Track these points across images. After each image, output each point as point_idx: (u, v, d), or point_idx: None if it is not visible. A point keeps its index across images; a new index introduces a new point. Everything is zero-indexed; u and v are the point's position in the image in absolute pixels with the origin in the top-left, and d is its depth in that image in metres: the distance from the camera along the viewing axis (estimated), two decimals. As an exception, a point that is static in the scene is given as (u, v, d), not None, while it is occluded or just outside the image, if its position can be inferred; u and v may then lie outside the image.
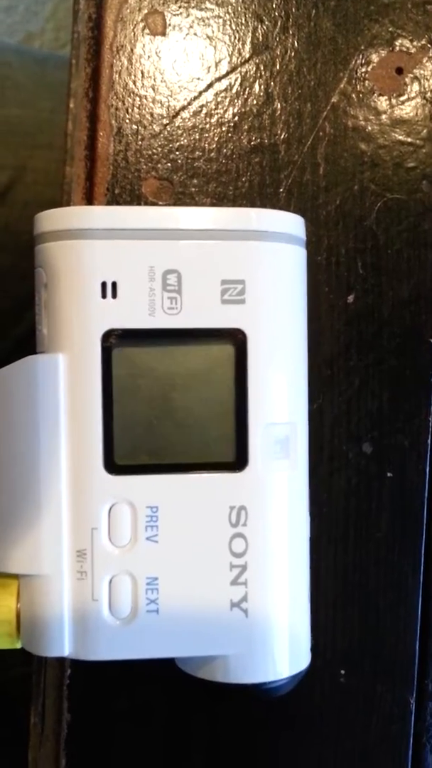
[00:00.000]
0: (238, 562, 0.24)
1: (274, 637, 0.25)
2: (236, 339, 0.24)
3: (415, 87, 0.28)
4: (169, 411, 0.24)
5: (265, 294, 0.24)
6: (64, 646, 0.24)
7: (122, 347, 0.24)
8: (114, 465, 0.24)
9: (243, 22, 0.28)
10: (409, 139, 0.28)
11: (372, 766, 0.29)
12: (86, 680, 0.29)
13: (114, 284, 0.24)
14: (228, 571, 0.24)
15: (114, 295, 0.24)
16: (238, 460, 0.24)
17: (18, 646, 0.25)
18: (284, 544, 0.25)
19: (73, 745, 0.29)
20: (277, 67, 0.28)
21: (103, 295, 0.24)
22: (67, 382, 0.24)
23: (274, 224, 0.25)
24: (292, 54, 0.28)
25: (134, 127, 0.28)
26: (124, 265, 0.24)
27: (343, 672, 0.29)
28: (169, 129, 0.28)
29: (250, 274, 0.24)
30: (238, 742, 0.29)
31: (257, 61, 0.28)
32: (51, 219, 0.24)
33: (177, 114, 0.28)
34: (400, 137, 0.28)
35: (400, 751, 0.29)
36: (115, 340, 0.24)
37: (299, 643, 0.25)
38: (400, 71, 0.28)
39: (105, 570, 0.24)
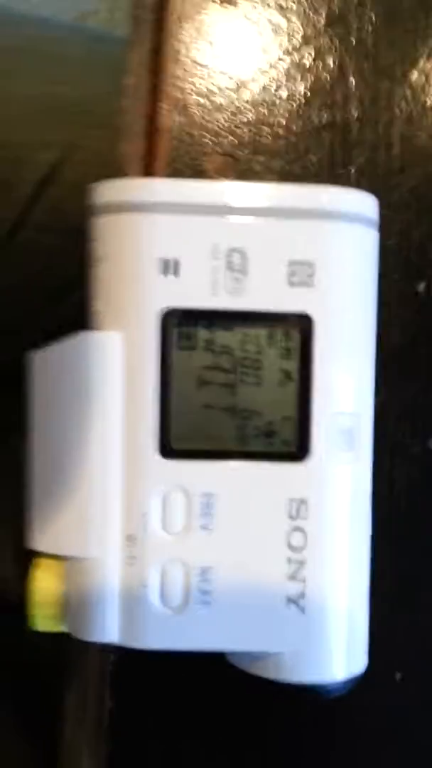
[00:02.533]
0: (296, 557, 0.23)
1: (331, 637, 0.23)
2: (303, 324, 0.23)
3: None
4: (229, 396, 0.23)
5: (335, 278, 0.23)
6: (110, 631, 0.23)
7: (182, 327, 0.23)
8: (169, 449, 0.23)
9: (318, -5, 0.27)
10: None
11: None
12: (130, 669, 0.28)
13: (176, 261, 0.23)
14: (285, 566, 0.23)
15: (175, 273, 0.23)
16: (300, 450, 0.23)
17: (61, 629, 0.24)
18: (345, 541, 0.24)
19: (115, 734, 0.28)
20: (353, 41, 0.27)
21: (164, 272, 0.23)
22: (123, 362, 0.23)
23: (346, 203, 0.23)
24: (370, 28, 0.27)
25: (199, 99, 0.27)
26: (186, 242, 0.23)
27: (398, 675, 0.28)
28: (235, 102, 0.27)
29: (320, 256, 0.23)
30: (287, 742, 0.28)
31: (332, 34, 0.27)
32: (110, 190, 0.23)
33: (244, 86, 0.27)
34: None
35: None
36: (174, 320, 0.23)
37: (357, 644, 0.24)
38: None
39: (156, 557, 0.23)
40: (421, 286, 0.27)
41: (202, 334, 0.23)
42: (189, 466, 0.23)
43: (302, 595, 0.23)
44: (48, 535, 0.23)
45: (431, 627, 0.28)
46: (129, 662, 0.28)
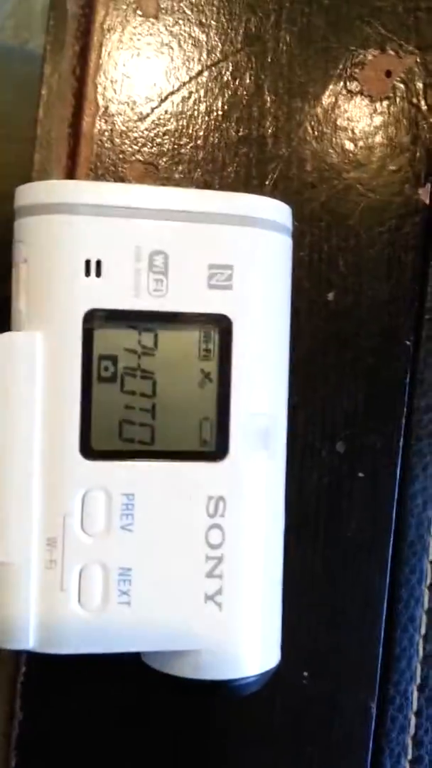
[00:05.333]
0: (214, 554, 0.24)
1: (247, 633, 0.24)
2: (221, 325, 0.24)
3: (402, 91, 0.29)
4: (150, 396, 0.24)
5: (252, 281, 0.24)
6: (28, 638, 0.23)
7: (104, 328, 0.23)
8: (90, 450, 0.23)
9: (236, 11, 0.28)
10: (393, 142, 0.29)
11: (333, 770, 0.29)
12: (41, 676, 0.28)
13: (98, 263, 0.23)
14: (203, 563, 0.24)
15: (98, 274, 0.23)
16: (218, 450, 0.24)
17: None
18: (261, 537, 0.24)
19: (25, 744, 0.28)
20: (269, 59, 0.28)
21: (87, 274, 0.23)
22: (45, 362, 0.23)
23: (263, 211, 0.24)
24: (284, 48, 0.28)
25: (121, 107, 0.28)
26: (109, 244, 0.23)
27: (306, 674, 0.29)
28: (156, 112, 0.28)
29: (238, 260, 0.24)
30: (197, 741, 0.28)
31: (248, 52, 0.28)
32: (34, 191, 0.23)
33: (166, 98, 0.28)
34: (385, 140, 0.29)
35: (359, 756, 0.29)
36: (97, 321, 0.23)
37: (271, 640, 0.25)
38: (389, 74, 0.28)
39: (76, 559, 0.23)
40: (331, 296, 0.29)
41: (125, 334, 0.23)
42: (110, 466, 0.23)
43: (219, 592, 0.24)
44: (-36, 537, 0.23)
45: (337, 626, 0.29)
46: (39, 671, 0.28)
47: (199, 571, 0.23)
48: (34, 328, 0.23)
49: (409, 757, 0.29)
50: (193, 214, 0.23)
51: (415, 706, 0.29)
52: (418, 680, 0.29)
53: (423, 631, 0.29)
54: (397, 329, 0.29)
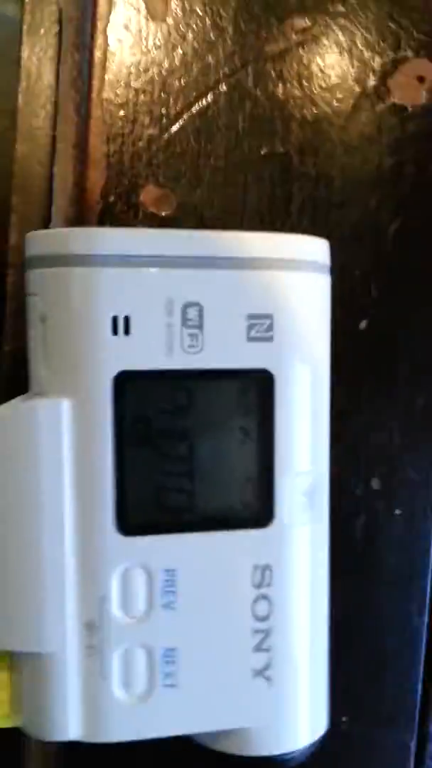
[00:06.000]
0: (261, 627, 0.22)
1: (297, 706, 0.23)
2: (262, 380, 0.22)
3: (435, 96, 0.26)
4: (189, 462, 0.21)
5: (294, 330, 0.22)
6: (69, 729, 0.21)
7: (136, 391, 0.21)
8: (127, 524, 0.21)
9: (255, 12, 0.25)
10: (430, 151, 0.26)
11: None
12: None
13: (126, 319, 0.21)
14: (251, 637, 0.22)
15: (126, 332, 0.21)
16: (263, 515, 0.22)
17: (15, 724, 0.22)
18: (308, 604, 0.23)
19: None
20: (293, 69, 0.25)
21: (114, 332, 0.21)
22: (74, 431, 0.21)
23: (303, 252, 0.22)
24: (311, 56, 0.26)
25: (131, 126, 0.25)
26: (138, 297, 0.21)
27: (344, 719, 0.28)
28: (171, 131, 0.25)
29: (278, 308, 0.22)
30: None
31: (270, 61, 0.25)
32: (49, 241, 0.21)
33: (180, 114, 0.25)
34: (421, 150, 0.26)
35: (400, 795, 0.28)
36: (128, 383, 0.21)
37: (319, 709, 0.23)
38: (421, 80, 0.26)
39: (116, 643, 0.21)
40: (363, 324, 0.26)
41: (158, 397, 0.21)
42: (148, 540, 0.21)
43: (268, 666, 0.22)
44: (-2, 629, 0.21)
45: (375, 667, 0.27)
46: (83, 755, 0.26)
47: (247, 646, 0.22)
48: (58, 393, 0.21)
49: (450, 792, 0.28)
50: (227, 261, 0.21)
51: (455, 743, 0.28)
52: (458, 715, 0.28)
53: (463, 667, 0.28)
54: (433, 357, 0.27)
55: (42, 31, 0.25)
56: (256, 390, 0.22)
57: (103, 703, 0.21)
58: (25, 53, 0.25)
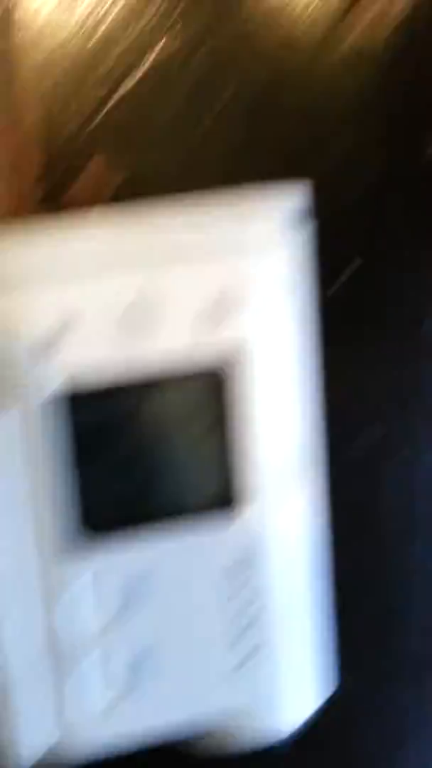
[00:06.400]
0: (240, 618, 0.22)
1: (280, 691, 0.23)
2: (219, 371, 0.20)
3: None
4: (149, 461, 0.20)
5: (257, 310, 0.20)
6: (40, 751, 0.21)
7: (82, 397, 0.20)
8: (92, 530, 0.20)
9: None
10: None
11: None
12: None
13: (66, 327, 0.19)
14: (229, 629, 0.22)
15: (68, 339, 0.19)
16: (234, 503, 0.21)
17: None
18: (292, 588, 0.22)
19: None
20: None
21: (54, 341, 0.19)
22: (23, 448, 0.20)
23: (264, 222, 0.20)
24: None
25: (62, 104, 0.22)
26: (78, 303, 0.19)
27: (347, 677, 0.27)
28: (112, 101, 0.22)
29: (236, 294, 0.20)
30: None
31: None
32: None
33: (121, 82, 0.22)
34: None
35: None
36: (73, 391, 0.20)
37: (307, 690, 0.23)
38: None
39: (90, 650, 0.21)
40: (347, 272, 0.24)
41: (109, 399, 0.20)
42: (115, 542, 0.21)
43: (251, 653, 0.22)
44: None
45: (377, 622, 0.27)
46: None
47: (225, 639, 0.22)
48: (5, 408, 0.20)
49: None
50: (174, 255, 0.19)
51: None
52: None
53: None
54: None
55: None
56: (215, 380, 0.20)
57: (81, 714, 0.21)
58: None
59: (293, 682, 0.23)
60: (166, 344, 0.20)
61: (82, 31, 0.22)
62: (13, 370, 0.19)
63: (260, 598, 0.22)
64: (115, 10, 0.22)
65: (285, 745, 0.23)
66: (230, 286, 0.20)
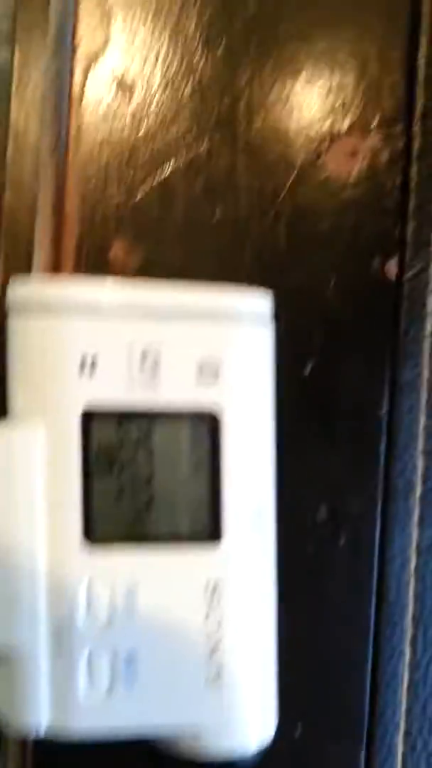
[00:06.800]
0: (213, 636, 0.24)
1: (246, 713, 0.25)
2: (210, 419, 0.25)
3: (367, 169, 0.30)
4: (148, 486, 0.24)
5: (238, 375, 0.25)
6: (40, 720, 0.23)
7: (101, 422, 0.24)
8: (93, 539, 0.24)
9: (208, 96, 0.29)
10: (360, 220, 0.30)
11: None
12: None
13: (93, 361, 0.24)
14: (204, 645, 0.24)
15: (92, 372, 0.24)
16: (213, 534, 0.25)
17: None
18: (257, 616, 0.25)
19: None
20: (242, 141, 0.29)
21: (82, 371, 0.24)
22: (46, 456, 0.24)
23: (246, 305, 0.25)
24: (259, 133, 0.29)
25: (101, 190, 0.28)
26: (103, 342, 0.24)
27: (299, 729, 0.30)
28: (137, 195, 0.29)
29: (224, 355, 0.25)
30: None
31: (223, 134, 0.29)
32: (30, 291, 0.24)
33: (144, 181, 0.29)
34: (353, 218, 0.30)
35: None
36: (94, 416, 0.24)
37: (269, 713, 0.26)
38: (354, 153, 0.30)
39: (83, 646, 0.24)
40: (307, 370, 0.30)
41: (121, 428, 0.24)
42: (112, 554, 0.24)
43: (219, 672, 0.25)
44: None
45: (326, 681, 0.30)
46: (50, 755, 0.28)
47: (200, 653, 0.24)
48: (32, 422, 0.24)
49: (397, 806, 0.31)
50: (181, 312, 0.24)
51: (400, 753, 0.31)
52: (402, 729, 0.31)
53: (406, 683, 0.31)
54: (373, 401, 0.30)
55: (29, 88, 0.29)
56: (205, 427, 0.25)
57: (70, 700, 0.23)
58: (13, 109, 0.29)
59: (254, 704, 0.25)
60: (169, 386, 0.24)
61: (123, 129, 0.28)
62: (52, 388, 0.24)
63: (228, 622, 0.25)
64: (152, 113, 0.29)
65: (245, 763, 0.25)
66: (219, 347, 0.25)
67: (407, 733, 0.31)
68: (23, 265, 0.29)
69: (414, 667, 0.31)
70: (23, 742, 0.28)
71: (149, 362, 0.24)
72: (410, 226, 0.30)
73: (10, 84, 0.29)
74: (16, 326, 0.24)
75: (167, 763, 0.25)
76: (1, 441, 0.23)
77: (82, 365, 0.24)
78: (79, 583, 0.24)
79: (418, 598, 0.30)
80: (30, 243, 0.29)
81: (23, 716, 0.23)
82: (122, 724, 0.24)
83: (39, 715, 0.23)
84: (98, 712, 0.24)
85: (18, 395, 0.24)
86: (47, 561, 0.23)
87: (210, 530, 0.25)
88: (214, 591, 0.25)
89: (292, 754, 0.30)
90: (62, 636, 0.23)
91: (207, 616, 0.24)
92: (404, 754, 0.31)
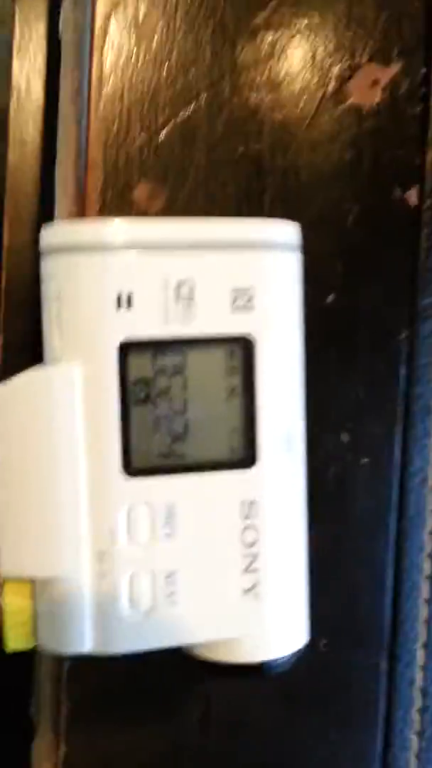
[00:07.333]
0: (249, 552, 0.26)
1: (280, 620, 0.27)
2: (245, 344, 0.26)
3: (390, 98, 0.30)
4: (184, 415, 0.25)
5: (270, 301, 0.26)
6: (84, 642, 0.25)
7: (138, 355, 0.25)
8: (132, 468, 0.25)
9: (228, 33, 0.29)
10: (382, 150, 0.30)
11: (354, 726, 0.32)
12: (84, 670, 0.30)
13: (129, 295, 0.25)
14: (240, 561, 0.26)
15: (129, 306, 0.25)
16: (247, 457, 0.26)
17: (31, 646, 0.26)
18: (290, 533, 0.27)
19: (72, 733, 0.30)
20: (263, 78, 0.29)
21: (119, 306, 0.25)
22: (84, 392, 0.25)
23: (276, 234, 0.26)
24: (279, 67, 0.30)
25: (124, 134, 0.29)
26: (138, 277, 0.25)
27: (324, 642, 0.32)
28: (159, 137, 0.29)
29: (257, 283, 0.26)
30: (235, 718, 0.31)
31: (244, 73, 0.29)
32: (62, 232, 0.25)
33: (167, 122, 0.29)
34: (373, 148, 0.30)
35: (376, 711, 0.32)
36: (131, 349, 0.25)
37: (301, 623, 0.27)
38: (376, 83, 0.30)
39: (125, 568, 0.25)
40: (330, 298, 0.31)
41: (157, 360, 0.25)
42: (150, 481, 0.25)
43: (255, 585, 0.26)
44: (21, 558, 0.25)
45: (350, 594, 0.32)
46: (82, 665, 0.30)
47: (237, 568, 0.26)
48: (70, 360, 0.25)
49: (417, 706, 0.33)
50: (213, 243, 0.25)
51: (421, 662, 0.33)
52: (422, 639, 0.33)
53: (425, 595, 0.32)
54: (393, 325, 0.31)
55: (30, 49, 0.29)
56: (240, 353, 0.26)
57: (114, 619, 0.25)
58: (15, 70, 0.30)
59: (288, 614, 0.27)
60: (204, 316, 0.25)
61: (144, 73, 0.29)
62: (89, 326, 0.24)
63: (263, 540, 0.26)
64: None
65: (278, 666, 0.27)
66: (251, 275, 0.26)
67: (428, 641, 0.33)
68: (27, 221, 0.30)
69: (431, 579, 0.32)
70: (57, 669, 0.30)
71: (184, 294, 0.25)
72: (430, 155, 0.31)
73: (11, 44, 0.30)
74: (51, 269, 0.25)
75: (203, 667, 0.27)
76: (41, 380, 0.24)
77: (119, 301, 0.24)
78: (120, 511, 0.25)
79: (437, 514, 0.32)
80: (33, 198, 0.29)
81: (68, 640, 0.25)
82: (163, 641, 0.25)
83: (83, 639, 0.25)
84: (140, 631, 0.25)
85: (55, 338, 0.25)
86: (89, 491, 0.25)
87: (245, 455, 0.26)
88: (249, 511, 0.26)
89: (319, 665, 0.32)
90: (104, 561, 0.25)
91: (243, 535, 0.26)
92: (425, 661, 0.33)
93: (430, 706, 0.33)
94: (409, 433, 0.32)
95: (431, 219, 0.31)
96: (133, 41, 0.29)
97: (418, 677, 0.33)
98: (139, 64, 0.29)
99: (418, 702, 0.33)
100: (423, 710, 0.33)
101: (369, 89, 0.30)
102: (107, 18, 0.29)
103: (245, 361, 0.26)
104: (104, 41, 0.29)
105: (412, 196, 0.31)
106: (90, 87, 0.28)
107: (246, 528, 0.26)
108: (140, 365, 0.25)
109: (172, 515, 0.25)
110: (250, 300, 0.25)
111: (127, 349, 0.25)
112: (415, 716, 0.33)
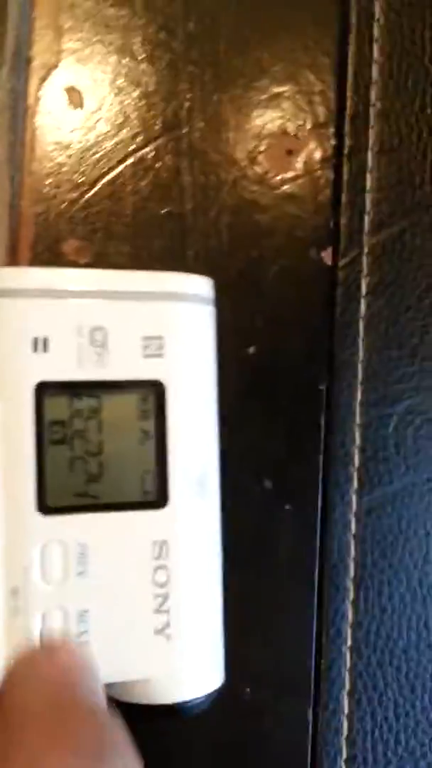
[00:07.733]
0: (160, 592, 0.27)
1: (194, 660, 0.27)
2: (156, 389, 0.27)
3: (303, 167, 0.33)
4: (98, 456, 0.27)
5: (180, 349, 0.27)
6: None
7: (53, 397, 0.26)
8: (46, 506, 0.26)
9: (155, 102, 0.32)
10: (298, 213, 0.32)
11: (277, 774, 0.32)
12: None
13: (45, 339, 0.26)
14: (152, 601, 0.27)
15: (45, 350, 0.26)
16: (159, 498, 0.27)
17: None
18: (202, 573, 0.27)
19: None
20: (185, 144, 0.32)
21: (35, 349, 0.26)
22: (1, 430, 0.26)
23: (188, 286, 0.28)
24: (198, 134, 0.32)
25: (54, 191, 0.31)
26: (54, 322, 0.26)
27: (248, 690, 0.32)
28: (87, 196, 0.31)
29: (168, 331, 0.27)
30: (156, 763, 0.31)
31: (168, 137, 0.32)
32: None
33: (95, 182, 0.31)
34: (291, 211, 0.32)
35: (304, 761, 0.32)
36: (46, 391, 0.26)
37: (215, 664, 0.28)
38: (290, 153, 0.32)
39: (38, 605, 0.26)
40: (251, 350, 0.32)
41: (71, 402, 0.26)
42: (64, 520, 0.26)
43: (167, 625, 0.27)
44: None
45: (273, 641, 0.32)
46: None
47: (148, 608, 0.27)
48: (-4, 398, 0.26)
49: (344, 756, 0.33)
50: (126, 293, 0.27)
51: (346, 710, 0.33)
52: (348, 687, 0.33)
53: (350, 642, 0.33)
54: (312, 377, 0.32)
55: None
56: (152, 398, 0.27)
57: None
58: None
59: (201, 655, 0.27)
60: (117, 361, 0.27)
61: (74, 134, 0.31)
62: (6, 367, 0.26)
63: (174, 579, 0.27)
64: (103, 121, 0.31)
65: (192, 708, 0.27)
66: (163, 323, 0.27)
67: (352, 689, 0.33)
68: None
69: (356, 626, 0.33)
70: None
71: (97, 340, 0.26)
72: (343, 218, 0.33)
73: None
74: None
75: (120, 707, 0.27)
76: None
77: (35, 344, 0.26)
78: (34, 548, 0.26)
79: (359, 561, 0.33)
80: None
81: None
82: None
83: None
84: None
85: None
86: (4, 527, 0.26)
87: (157, 496, 0.27)
88: (160, 551, 0.27)
89: (242, 712, 0.32)
90: (17, 597, 0.26)
91: (154, 575, 0.27)
92: (350, 708, 0.33)
93: (358, 756, 0.33)
94: (331, 480, 0.33)
95: (346, 278, 0.33)
96: (65, 104, 0.31)
97: (344, 726, 0.33)
98: (69, 126, 0.31)
99: (344, 752, 0.33)
100: (349, 760, 0.33)
101: (284, 158, 0.32)
102: (42, 81, 0.31)
103: (157, 406, 0.27)
104: (37, 104, 0.31)
105: (328, 255, 0.33)
106: (23, 149, 0.30)
107: (157, 568, 0.27)
108: (56, 407, 0.26)
109: (85, 554, 0.26)
110: (160, 348, 0.27)
111: (42, 391, 0.26)
112: (342, 766, 0.33)
